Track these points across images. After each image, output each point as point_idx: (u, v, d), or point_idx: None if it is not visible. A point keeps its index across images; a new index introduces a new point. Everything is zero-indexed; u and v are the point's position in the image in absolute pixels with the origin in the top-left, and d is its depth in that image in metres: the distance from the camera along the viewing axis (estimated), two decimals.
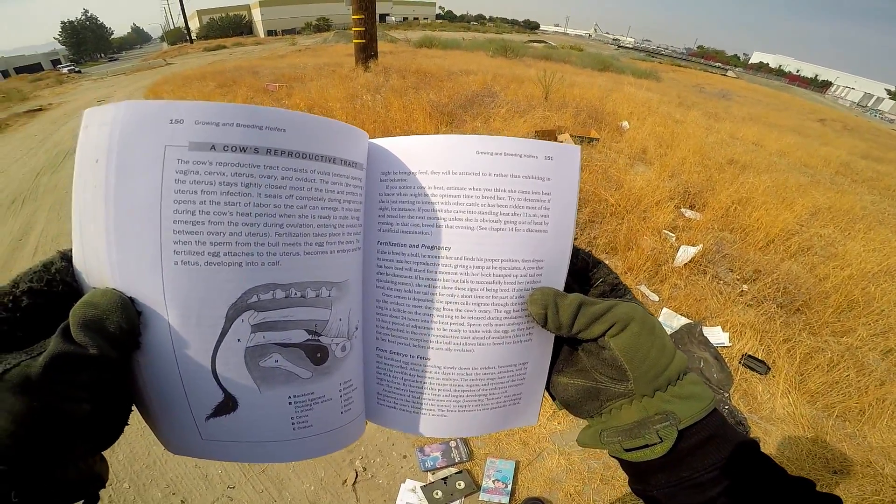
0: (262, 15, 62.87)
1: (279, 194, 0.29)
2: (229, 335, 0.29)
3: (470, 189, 0.34)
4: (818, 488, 0.31)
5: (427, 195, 0.34)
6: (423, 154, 0.35)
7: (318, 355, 0.33)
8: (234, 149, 0.28)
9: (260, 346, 0.31)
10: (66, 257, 0.29)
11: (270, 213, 0.29)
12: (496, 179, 0.34)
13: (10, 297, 0.26)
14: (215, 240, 0.28)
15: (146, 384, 0.30)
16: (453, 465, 1.76)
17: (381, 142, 0.36)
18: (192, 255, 0.28)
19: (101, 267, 0.28)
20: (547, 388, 0.40)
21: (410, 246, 0.35)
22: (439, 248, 0.34)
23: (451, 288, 0.35)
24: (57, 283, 0.28)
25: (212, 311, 0.29)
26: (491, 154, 0.34)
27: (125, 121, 0.26)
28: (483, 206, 0.34)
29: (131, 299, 0.27)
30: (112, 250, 0.27)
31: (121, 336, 0.26)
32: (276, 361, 0.31)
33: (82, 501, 0.27)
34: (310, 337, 0.32)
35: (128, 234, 0.27)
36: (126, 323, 0.26)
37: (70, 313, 0.25)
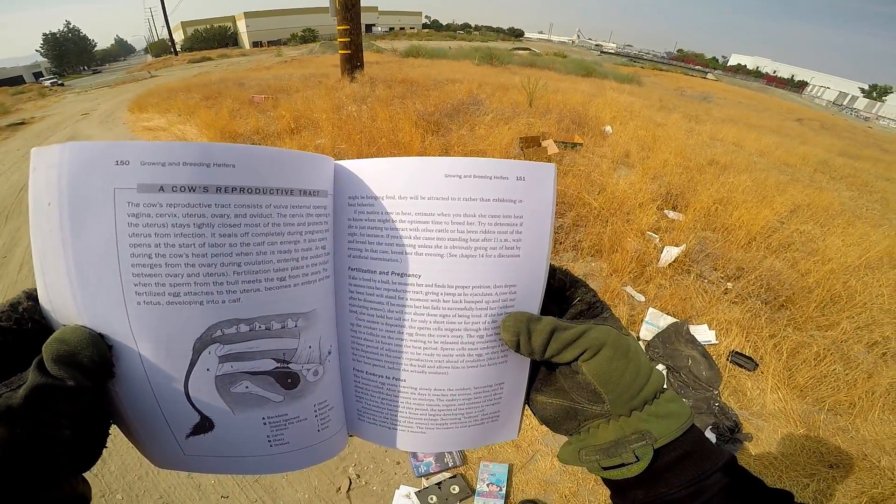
0: (247, 26, 62.70)
1: (234, 232, 0.29)
2: (198, 365, 0.30)
3: (438, 215, 0.33)
4: (815, 484, 0.32)
5: (395, 221, 0.34)
6: (390, 178, 0.34)
7: (289, 381, 0.34)
8: (183, 189, 0.27)
9: (229, 375, 0.31)
10: (32, 296, 0.30)
11: (226, 251, 0.29)
12: (465, 204, 0.33)
13: None
14: (174, 281, 0.28)
15: (126, 408, 0.31)
16: (447, 469, 1.76)
17: (349, 164, 0.35)
18: (154, 296, 0.28)
19: (67, 306, 0.28)
20: (528, 404, 0.40)
21: (380, 273, 0.35)
22: (409, 275, 0.34)
23: (422, 314, 0.35)
24: (25, 321, 0.29)
25: (179, 344, 0.29)
26: (460, 177, 0.33)
27: (72, 163, 0.26)
28: (452, 233, 0.33)
29: (101, 335, 0.28)
30: (76, 292, 0.27)
31: (94, 368, 0.27)
32: (247, 387, 0.32)
33: None
34: (279, 365, 0.33)
35: (89, 277, 0.27)
36: (97, 357, 0.27)
37: (43, 349, 0.26)
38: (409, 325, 0.35)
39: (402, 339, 0.36)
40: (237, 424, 0.32)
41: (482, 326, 0.35)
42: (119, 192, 0.26)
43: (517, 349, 0.34)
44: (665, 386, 0.35)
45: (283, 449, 0.35)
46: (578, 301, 0.38)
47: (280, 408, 0.33)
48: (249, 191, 0.29)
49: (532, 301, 0.36)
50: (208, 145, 0.28)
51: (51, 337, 0.27)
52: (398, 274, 0.34)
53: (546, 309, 0.37)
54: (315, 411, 0.36)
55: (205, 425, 0.32)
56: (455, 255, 0.33)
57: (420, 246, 0.34)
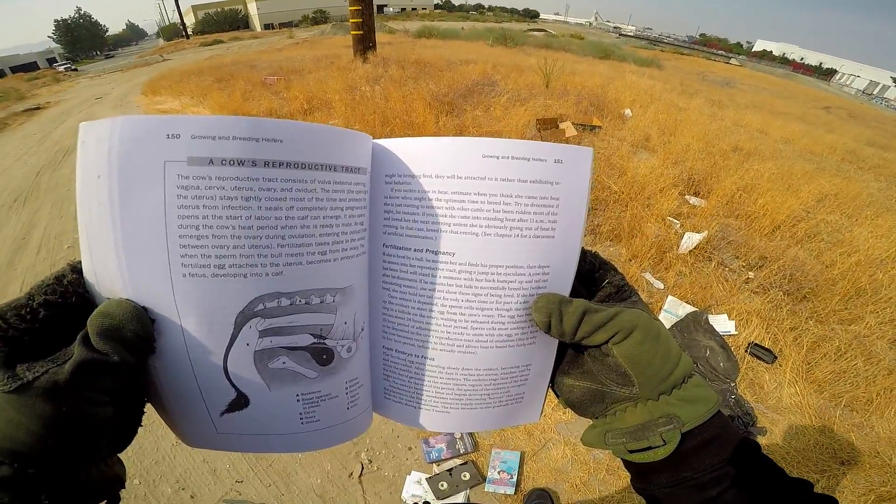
0: (258, 9, 62.36)
1: (280, 206, 0.29)
2: (238, 340, 0.30)
3: (475, 194, 0.33)
4: (825, 479, 0.30)
5: (431, 200, 0.34)
6: (428, 157, 0.34)
7: (324, 357, 0.34)
8: (231, 162, 0.27)
9: (268, 350, 0.32)
10: (77, 269, 0.30)
11: (271, 224, 0.29)
12: (502, 184, 0.33)
13: (28, 309, 0.27)
14: (220, 253, 0.28)
15: (163, 384, 0.31)
16: (458, 456, 1.76)
17: (386, 143, 0.35)
18: (199, 268, 0.28)
19: (112, 279, 0.28)
20: (552, 387, 0.40)
21: (415, 250, 0.35)
22: (443, 253, 0.34)
23: (454, 293, 0.35)
24: (70, 294, 0.29)
25: (221, 318, 0.30)
26: (497, 158, 0.33)
27: (122, 137, 0.26)
28: (488, 212, 0.33)
29: (144, 308, 0.28)
30: (122, 264, 0.28)
31: (137, 343, 0.27)
32: (284, 363, 0.32)
33: (104, 502, 0.29)
34: (315, 340, 0.33)
35: (136, 250, 0.27)
36: (142, 331, 0.27)
37: (87, 323, 0.26)
38: (440, 304, 0.35)
39: (433, 317, 0.36)
40: (272, 401, 0.33)
41: (513, 307, 0.35)
42: (169, 164, 0.27)
43: (548, 330, 0.34)
44: (693, 371, 0.34)
45: (313, 427, 0.35)
46: (607, 284, 0.37)
47: (314, 384, 0.34)
48: (295, 165, 0.29)
49: (564, 283, 0.36)
50: (258, 120, 0.28)
51: (96, 310, 0.27)
52: (432, 251, 0.34)
53: (575, 291, 0.37)
54: (346, 389, 0.36)
55: (240, 402, 0.32)
56: (490, 235, 0.33)
57: (455, 224, 0.33)
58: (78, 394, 0.25)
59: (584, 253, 0.38)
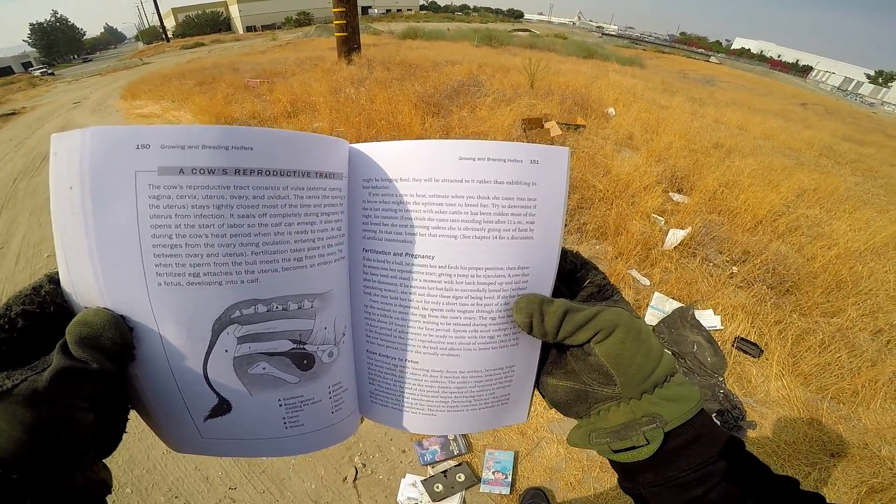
0: (240, 11, 61.48)
1: (252, 213, 0.29)
2: (217, 347, 0.31)
3: (453, 197, 0.33)
4: (816, 472, 0.30)
5: (409, 203, 0.34)
6: (405, 160, 0.34)
7: (305, 362, 0.34)
8: (202, 171, 0.27)
9: (247, 356, 0.32)
10: (54, 280, 0.30)
11: (244, 232, 0.29)
12: (479, 186, 0.33)
13: (6, 319, 0.27)
14: (194, 261, 0.28)
15: (145, 391, 0.31)
16: (452, 457, 1.76)
17: (364, 147, 0.35)
18: (174, 277, 0.28)
19: (89, 288, 0.28)
20: (538, 387, 0.40)
21: (394, 254, 0.35)
22: (423, 256, 0.34)
23: (435, 295, 0.35)
24: (48, 304, 0.29)
25: (199, 325, 0.30)
26: (474, 160, 0.33)
27: (93, 148, 0.26)
28: (466, 215, 0.33)
29: (122, 317, 0.28)
30: (98, 274, 0.28)
31: (116, 351, 0.27)
32: (264, 369, 0.32)
33: None
34: (295, 346, 0.33)
35: (111, 259, 0.27)
36: (120, 339, 0.27)
37: (66, 332, 0.26)
38: (422, 307, 0.35)
39: (415, 321, 0.36)
40: (254, 406, 0.33)
41: (495, 308, 0.35)
42: (140, 174, 0.27)
43: (529, 331, 0.34)
44: (675, 369, 0.34)
45: (298, 431, 0.35)
46: (589, 283, 0.38)
47: (295, 389, 0.34)
48: (267, 173, 0.29)
49: (544, 283, 0.36)
50: (227, 128, 0.28)
51: (74, 319, 0.27)
52: (412, 255, 0.34)
53: (556, 291, 0.37)
54: (329, 393, 0.36)
55: (222, 408, 0.32)
56: (469, 237, 0.33)
57: (434, 227, 0.34)
58: (58, 401, 0.25)
59: (565, 253, 0.38)
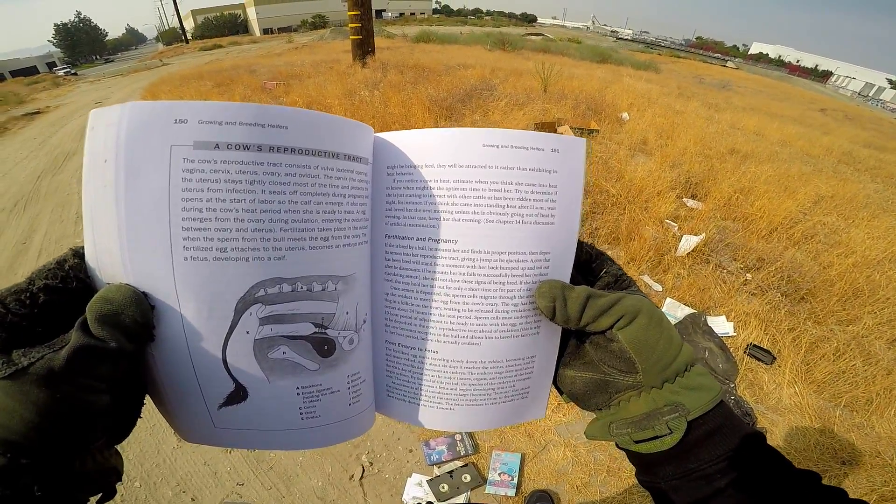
0: (257, 13, 62.56)
1: (283, 190, 0.29)
2: (238, 327, 0.30)
3: (476, 182, 0.33)
4: (826, 479, 0.31)
5: (433, 188, 0.34)
6: (429, 148, 0.34)
7: (325, 348, 0.34)
8: (237, 147, 0.28)
9: (268, 339, 0.31)
10: (79, 254, 0.30)
11: (275, 209, 0.29)
12: (503, 172, 0.33)
13: (28, 294, 0.27)
14: (222, 235, 0.28)
15: (161, 375, 0.30)
16: (459, 458, 1.76)
17: (388, 136, 0.36)
18: (201, 251, 0.28)
19: (113, 263, 0.28)
20: (553, 382, 0.40)
21: (417, 239, 0.35)
22: (446, 241, 0.34)
23: (458, 281, 0.35)
24: (71, 279, 0.29)
25: (222, 304, 0.29)
26: (497, 147, 0.33)
27: (131, 121, 0.27)
28: (490, 199, 0.33)
29: (144, 294, 0.28)
30: (124, 247, 0.28)
31: (136, 329, 0.27)
32: (284, 353, 0.32)
33: (100, 494, 0.28)
34: (316, 330, 0.33)
35: (139, 232, 0.28)
36: (141, 317, 0.27)
37: (87, 308, 0.26)
38: (443, 293, 0.35)
39: (435, 308, 0.35)
40: (271, 394, 0.32)
41: (517, 294, 0.35)
42: (175, 148, 0.27)
43: (552, 316, 0.34)
44: (695, 360, 0.34)
45: (314, 423, 0.35)
46: (605, 273, 0.38)
47: (314, 377, 0.34)
48: (299, 151, 0.30)
49: (564, 270, 0.36)
50: (263, 107, 0.29)
51: (95, 295, 0.26)
52: (435, 240, 0.35)
53: (573, 281, 0.37)
54: (348, 383, 0.36)
55: (238, 394, 0.32)
56: (492, 222, 0.34)
57: (457, 212, 0.34)
58: (73, 380, 0.24)
59: (580, 243, 0.38)
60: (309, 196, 0.31)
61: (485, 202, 0.33)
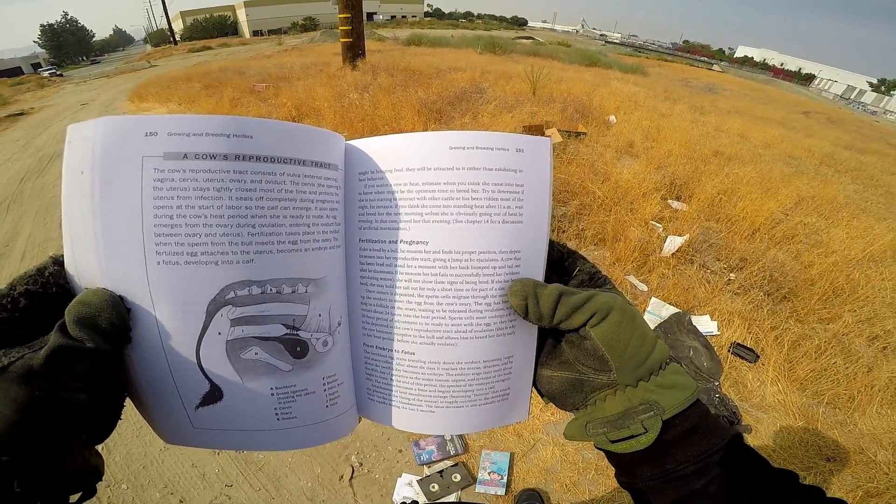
0: (247, 15, 62.15)
1: (250, 196, 0.31)
2: (210, 329, 0.31)
3: (444, 184, 0.34)
4: (811, 477, 0.31)
5: (403, 192, 0.35)
6: (398, 152, 0.35)
7: (298, 349, 0.34)
8: (204, 156, 0.29)
9: (240, 339, 0.32)
10: (58, 262, 0.31)
11: (242, 214, 0.31)
12: (470, 173, 0.34)
13: (9, 299, 0.28)
14: (192, 241, 0.30)
15: (139, 376, 0.32)
16: (449, 458, 1.77)
17: (359, 143, 0.37)
18: (173, 255, 0.30)
19: (91, 269, 0.30)
20: (533, 383, 0.40)
21: (390, 242, 0.36)
22: (417, 242, 0.35)
23: (430, 282, 0.35)
24: (51, 285, 0.30)
25: (193, 306, 0.31)
26: (463, 148, 0.34)
27: (105, 135, 0.29)
28: (458, 200, 0.34)
29: (121, 297, 0.29)
30: (101, 253, 0.29)
31: (113, 331, 0.28)
32: (256, 354, 0.33)
33: (80, 493, 0.29)
34: (288, 331, 0.34)
35: (114, 239, 0.29)
36: (117, 319, 0.28)
37: (65, 311, 0.27)
38: (417, 294, 0.36)
39: (410, 310, 0.36)
40: (245, 394, 0.33)
41: (489, 293, 0.35)
42: (147, 160, 0.29)
43: (525, 315, 0.34)
44: (670, 358, 0.34)
45: (291, 424, 0.35)
46: (579, 272, 0.38)
47: (288, 378, 0.34)
48: (264, 159, 0.31)
49: (536, 268, 0.36)
50: (229, 118, 0.30)
51: (74, 299, 0.28)
52: (406, 242, 0.35)
53: (548, 280, 0.37)
54: (324, 385, 0.36)
55: (214, 395, 0.32)
56: (461, 222, 0.34)
57: (427, 213, 0.35)
58: (52, 379, 0.25)
59: (552, 243, 0.38)
60: (275, 202, 0.32)
61: (453, 203, 0.34)
